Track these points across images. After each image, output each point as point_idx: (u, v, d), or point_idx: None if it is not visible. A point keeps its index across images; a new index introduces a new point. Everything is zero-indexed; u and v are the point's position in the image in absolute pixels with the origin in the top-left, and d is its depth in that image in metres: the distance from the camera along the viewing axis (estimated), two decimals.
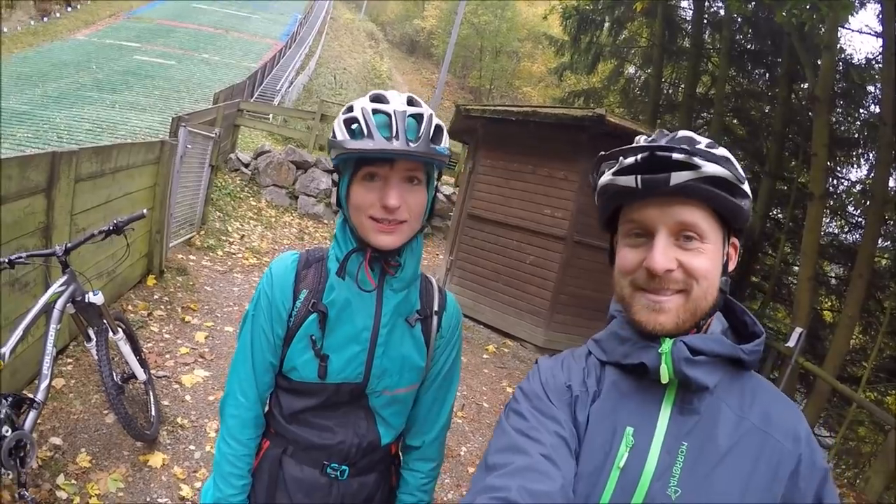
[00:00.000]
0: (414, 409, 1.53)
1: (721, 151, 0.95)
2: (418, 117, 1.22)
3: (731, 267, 1.04)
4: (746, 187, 0.98)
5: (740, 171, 0.96)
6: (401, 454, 1.58)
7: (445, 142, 1.27)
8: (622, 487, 0.95)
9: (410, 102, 1.25)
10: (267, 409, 1.47)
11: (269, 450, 1.44)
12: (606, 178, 0.99)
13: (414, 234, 1.33)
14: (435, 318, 1.45)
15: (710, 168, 0.91)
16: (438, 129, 1.24)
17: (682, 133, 0.99)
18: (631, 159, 0.95)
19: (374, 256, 1.32)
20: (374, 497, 1.48)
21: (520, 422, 1.00)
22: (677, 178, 0.91)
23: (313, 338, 1.34)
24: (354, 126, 1.21)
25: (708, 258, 0.96)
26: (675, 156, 0.91)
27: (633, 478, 0.94)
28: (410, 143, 1.18)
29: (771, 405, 1.00)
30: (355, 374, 1.36)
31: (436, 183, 1.36)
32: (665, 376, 0.95)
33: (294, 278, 1.37)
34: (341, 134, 1.22)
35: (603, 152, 1.02)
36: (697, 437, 0.95)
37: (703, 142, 0.96)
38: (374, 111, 1.21)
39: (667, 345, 0.96)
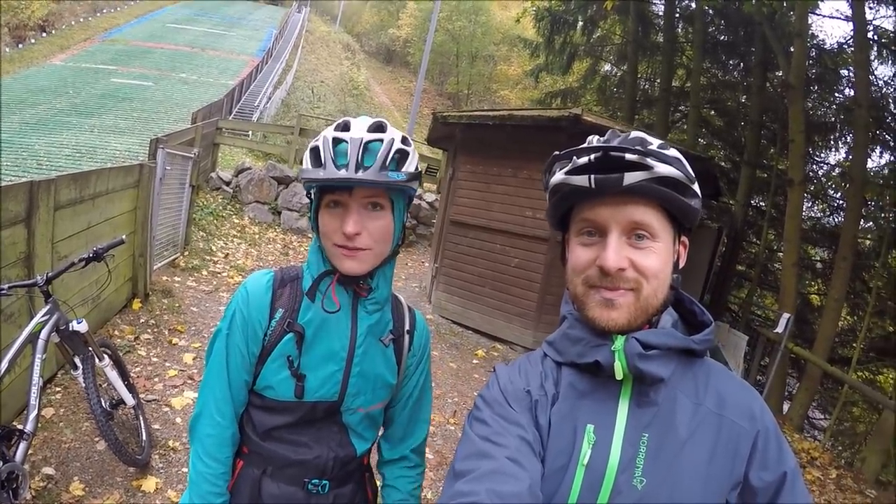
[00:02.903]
0: (391, 428, 1.56)
1: (672, 152, 0.97)
2: (378, 143, 1.24)
3: (682, 264, 1.07)
4: (696, 187, 1.00)
5: (691, 171, 0.98)
6: (381, 471, 1.60)
7: (409, 166, 1.28)
8: (589, 484, 0.96)
9: (378, 128, 1.27)
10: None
11: (245, 469, 1.43)
12: (559, 177, 1.00)
13: (384, 259, 1.35)
14: (407, 338, 1.49)
15: (663, 168, 0.93)
16: (401, 153, 1.26)
17: (634, 134, 1.01)
18: (584, 159, 0.96)
19: (344, 280, 1.35)
20: None
21: (483, 428, 1.01)
22: (630, 178, 0.92)
23: (290, 358, 1.35)
24: (317, 156, 1.25)
25: (659, 257, 0.98)
26: (629, 156, 0.93)
27: (598, 473, 0.96)
28: (360, 171, 1.20)
29: (724, 388, 1.02)
30: (331, 393, 1.38)
31: (405, 207, 1.38)
32: (619, 373, 0.97)
33: (270, 297, 1.38)
34: (306, 162, 1.26)
35: (557, 152, 1.03)
36: (657, 428, 0.97)
37: (655, 143, 0.98)
38: (335, 140, 1.24)
39: (619, 342, 0.98)
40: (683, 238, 1.06)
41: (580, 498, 0.96)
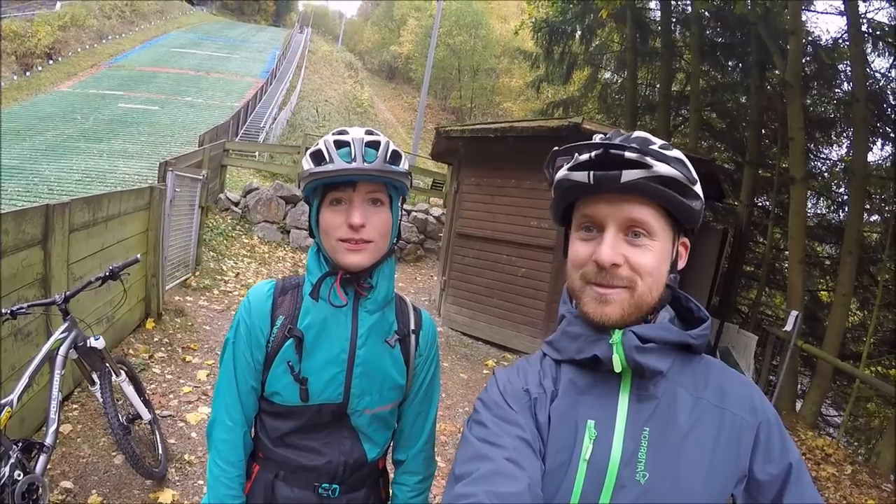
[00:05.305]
0: (398, 425, 1.59)
1: (674, 153, 0.99)
2: (375, 144, 1.34)
3: (681, 265, 1.09)
4: (699, 189, 1.01)
5: (693, 172, 0.99)
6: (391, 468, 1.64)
7: (404, 164, 1.37)
8: (591, 479, 0.97)
9: (369, 133, 1.37)
10: (252, 433, 1.53)
11: (260, 473, 1.49)
12: (562, 173, 1.03)
13: (383, 256, 1.41)
14: (413, 337, 1.51)
15: (662, 168, 0.95)
16: (395, 153, 1.36)
17: (637, 133, 1.03)
18: (585, 156, 0.99)
19: (346, 278, 1.39)
20: None
21: (482, 431, 1.02)
22: (628, 175, 0.94)
23: (290, 363, 1.39)
24: (319, 157, 1.33)
25: (654, 255, 1.00)
26: (628, 154, 0.94)
27: (600, 468, 0.97)
28: (366, 164, 1.29)
29: (724, 382, 1.04)
30: (335, 395, 1.41)
31: (400, 206, 1.45)
32: (618, 365, 0.98)
33: (271, 305, 1.43)
34: (307, 164, 1.34)
35: (556, 147, 1.07)
36: (658, 421, 0.99)
37: (657, 142, 1.00)
38: (336, 142, 1.33)
39: (617, 335, 1.00)
40: (684, 239, 1.08)
41: (583, 494, 0.97)
